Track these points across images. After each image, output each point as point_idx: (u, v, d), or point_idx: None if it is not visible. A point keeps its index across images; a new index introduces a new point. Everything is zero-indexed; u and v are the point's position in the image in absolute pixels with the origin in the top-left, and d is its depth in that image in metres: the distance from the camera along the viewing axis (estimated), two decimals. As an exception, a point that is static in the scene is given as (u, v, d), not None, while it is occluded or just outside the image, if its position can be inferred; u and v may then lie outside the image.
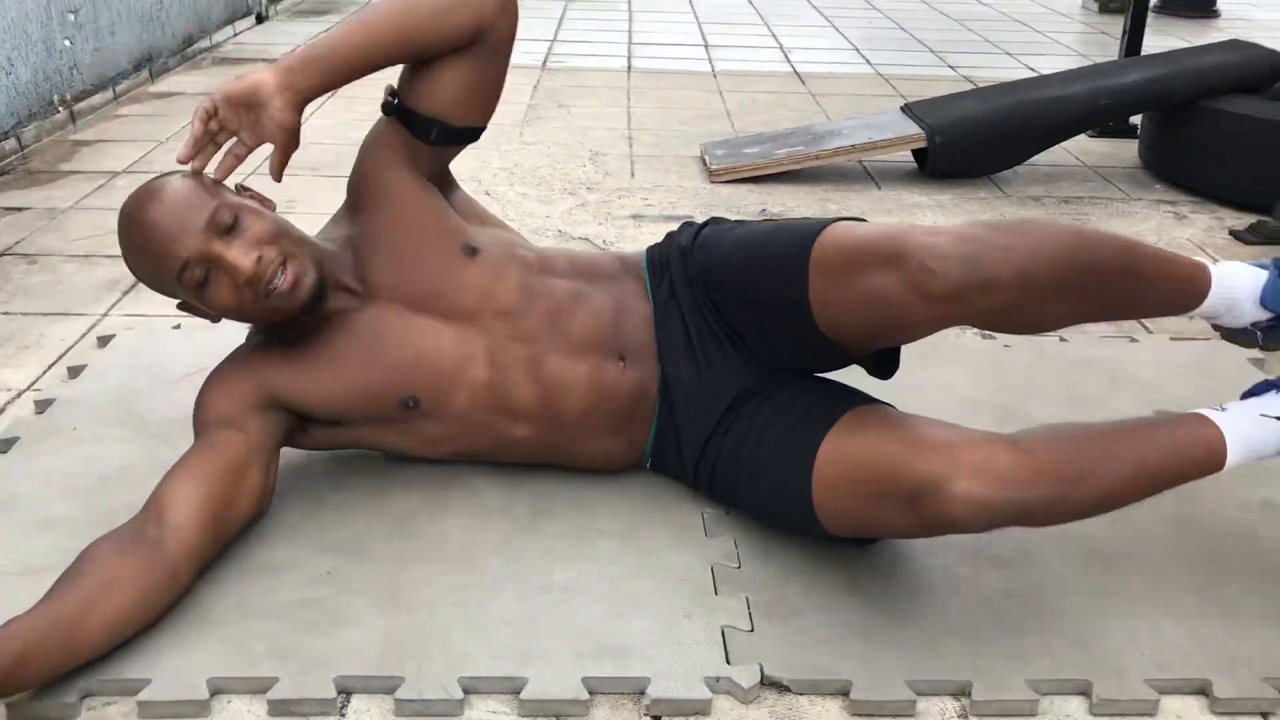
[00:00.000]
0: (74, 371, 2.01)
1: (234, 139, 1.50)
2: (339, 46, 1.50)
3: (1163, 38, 6.03)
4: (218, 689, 1.29)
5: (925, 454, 1.33)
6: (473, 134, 1.62)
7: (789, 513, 1.49)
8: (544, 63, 4.79)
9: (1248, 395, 1.48)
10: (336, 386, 1.56)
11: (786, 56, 5.17)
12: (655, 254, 1.70)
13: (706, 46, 5.35)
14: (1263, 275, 1.47)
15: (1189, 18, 6.73)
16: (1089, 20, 6.58)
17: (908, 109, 3.42)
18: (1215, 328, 1.54)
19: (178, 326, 2.20)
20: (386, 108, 1.59)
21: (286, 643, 1.35)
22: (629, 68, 4.80)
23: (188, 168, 1.49)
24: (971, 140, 3.23)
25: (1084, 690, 1.32)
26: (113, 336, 2.14)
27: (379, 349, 1.56)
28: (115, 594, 1.30)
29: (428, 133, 1.57)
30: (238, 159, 1.51)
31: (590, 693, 1.29)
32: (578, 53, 5.05)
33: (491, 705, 1.29)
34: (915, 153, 3.39)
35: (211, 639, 1.35)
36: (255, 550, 1.52)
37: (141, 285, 1.70)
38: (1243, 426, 1.41)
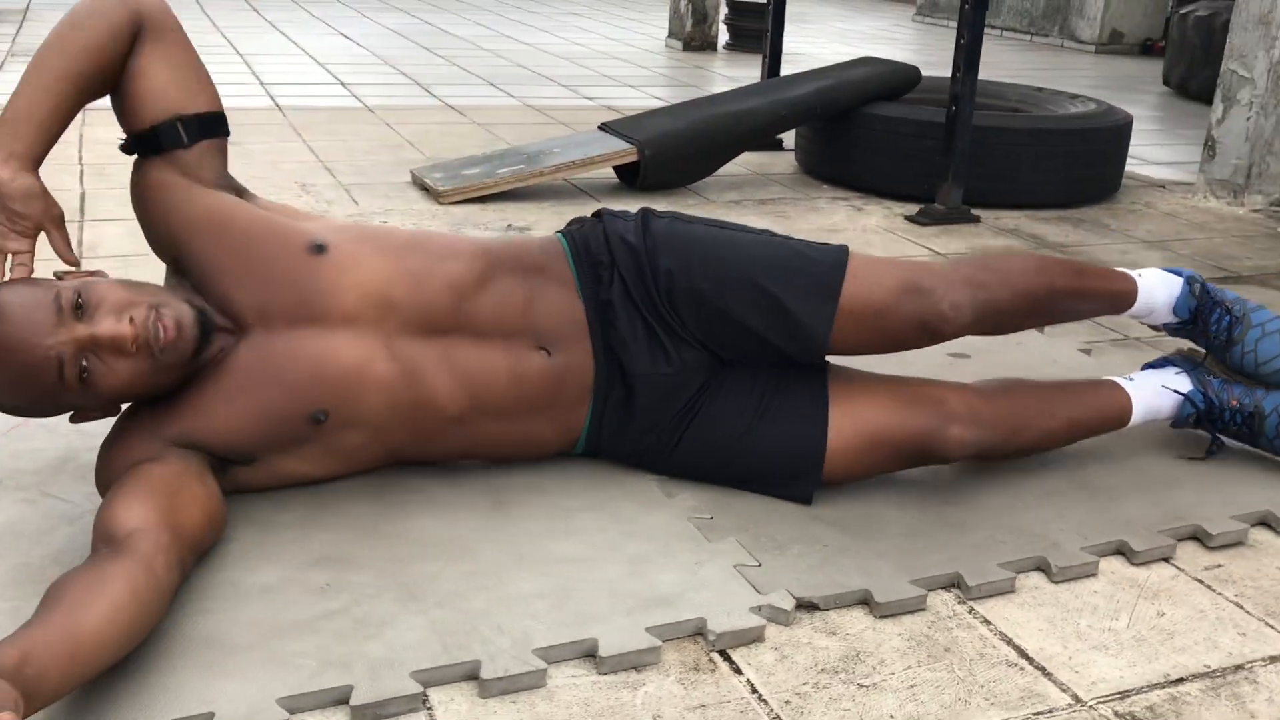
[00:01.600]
0: None
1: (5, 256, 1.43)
2: (24, 103, 1.43)
3: (736, 68, 6.71)
4: (292, 708, 1.20)
5: (924, 411, 1.63)
6: (217, 121, 1.55)
7: (786, 476, 1.63)
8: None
9: (1148, 367, 1.86)
10: (241, 419, 1.47)
11: (429, 91, 5.24)
12: (577, 241, 1.68)
13: (344, 84, 5.29)
14: (1177, 288, 1.81)
15: (755, 53, 7.54)
16: (675, 57, 7.19)
17: (606, 127, 3.63)
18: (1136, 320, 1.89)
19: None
20: (127, 147, 1.53)
21: (337, 653, 1.27)
22: (277, 106, 4.66)
23: None
24: (676, 152, 3.49)
25: (1041, 565, 1.55)
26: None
27: (272, 371, 1.48)
28: (102, 592, 1.17)
29: (178, 137, 1.50)
30: (22, 259, 1.44)
31: (658, 642, 1.34)
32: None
33: (570, 670, 1.30)
34: (617, 169, 3.60)
35: (253, 663, 1.25)
36: (239, 576, 1.41)
37: None
38: (1146, 394, 1.79)
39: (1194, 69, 6.42)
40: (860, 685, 1.31)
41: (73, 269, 1.50)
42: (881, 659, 1.36)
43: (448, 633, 1.32)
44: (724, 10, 7.79)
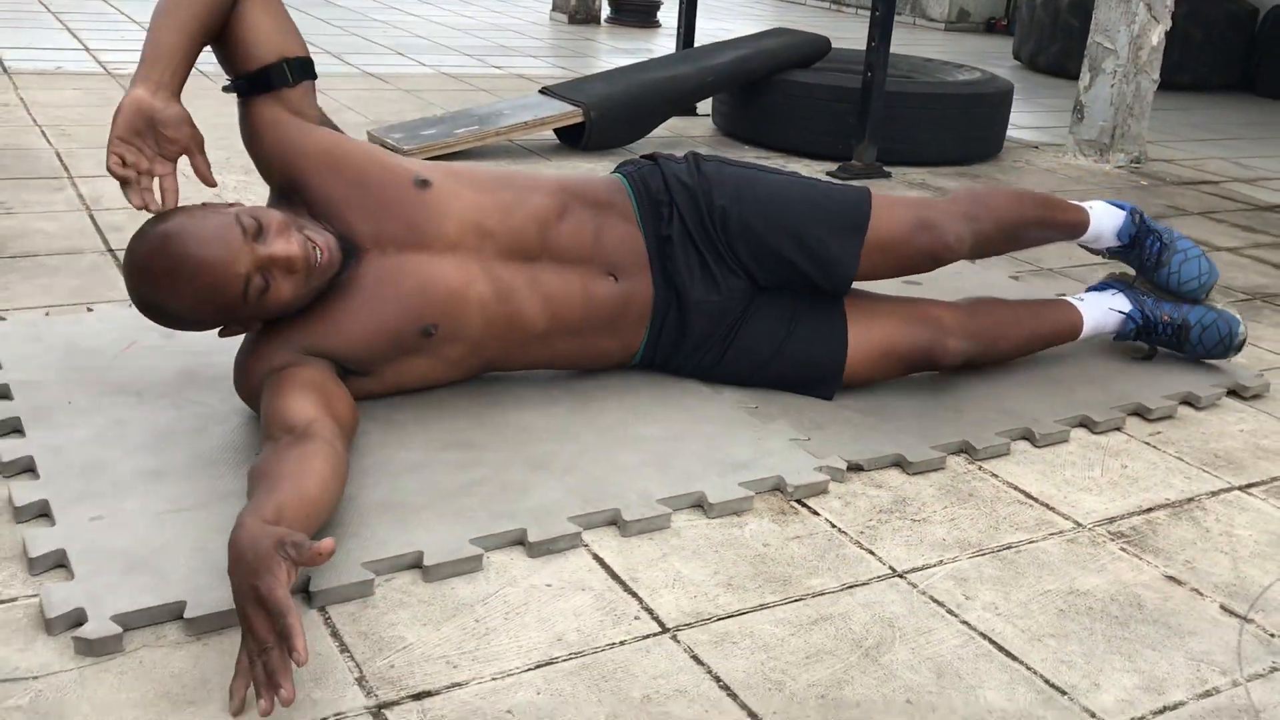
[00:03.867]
0: (-21, 364, 1.87)
1: (154, 178, 1.59)
2: (164, 42, 1.60)
3: (624, 40, 7.00)
4: (483, 546, 1.45)
5: (925, 328, 1.96)
6: (310, 65, 1.75)
7: (815, 380, 1.95)
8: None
9: (1092, 289, 2.24)
10: (365, 331, 1.67)
11: (342, 59, 5.36)
12: (637, 181, 1.94)
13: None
14: (1121, 217, 2.20)
15: (637, 26, 7.83)
16: (563, 30, 7.42)
17: (547, 91, 3.88)
18: (1081, 245, 2.26)
19: (47, 313, 2.09)
20: (239, 88, 1.72)
21: (498, 508, 1.53)
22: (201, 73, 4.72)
23: (155, 208, 1.57)
24: (618, 114, 3.77)
25: (1026, 435, 1.91)
26: (-13, 329, 1.99)
27: (389, 290, 1.69)
28: (313, 468, 1.38)
29: (285, 76, 1.70)
30: (169, 183, 1.59)
31: (750, 493, 1.64)
32: (49, 59, 4.86)
33: (686, 517, 1.59)
34: (558, 131, 3.85)
35: (433, 518, 1.49)
36: (385, 457, 1.64)
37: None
38: (1094, 313, 2.17)
39: (1042, 44, 7.02)
40: (913, 520, 1.64)
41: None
42: (924, 502, 1.69)
43: (583, 491, 1.59)
44: (604, -15, 8.05)
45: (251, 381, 1.65)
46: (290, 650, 1.11)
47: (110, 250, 2.50)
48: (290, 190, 1.73)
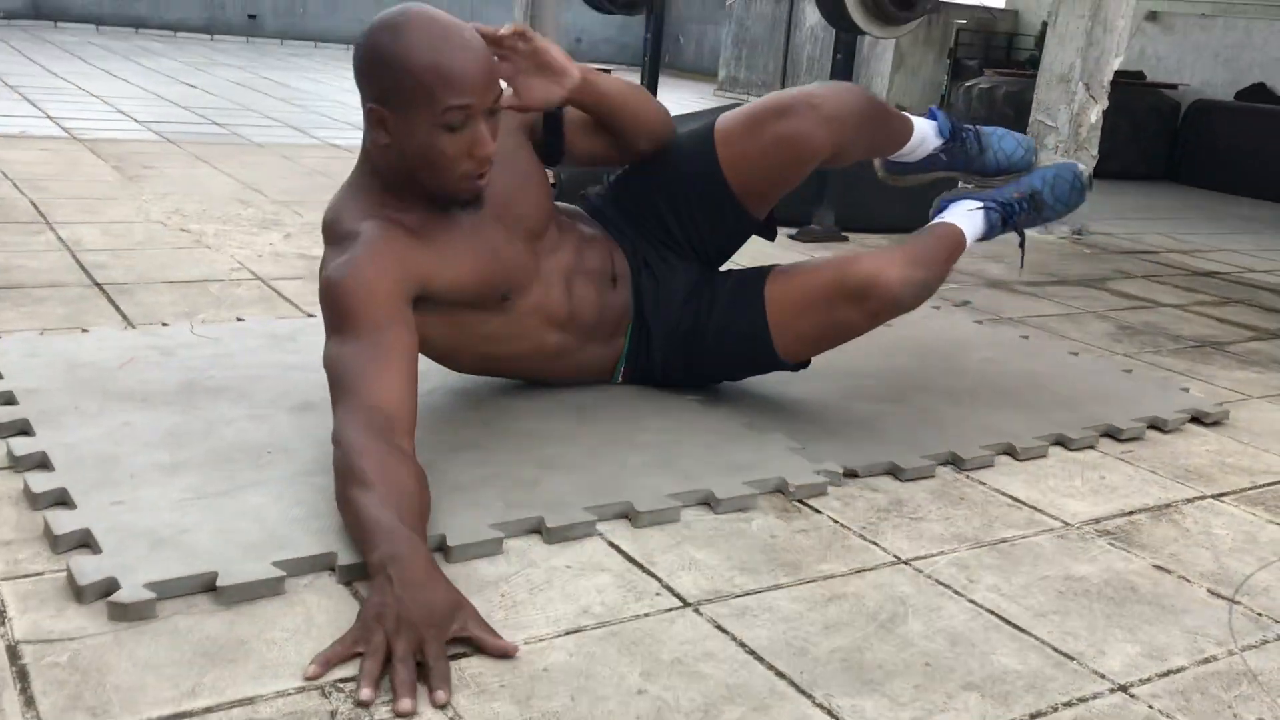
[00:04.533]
0: (-21, 376, 1.87)
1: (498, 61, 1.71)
2: (613, 86, 1.89)
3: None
4: (503, 532, 1.48)
5: (857, 264, 1.92)
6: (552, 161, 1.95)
7: (751, 353, 1.99)
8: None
9: (938, 211, 2.23)
10: (466, 272, 1.72)
11: (307, 133, 5.44)
12: (587, 207, 2.10)
13: (219, 124, 5.43)
14: (932, 121, 2.27)
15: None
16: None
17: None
18: (905, 166, 2.32)
19: (42, 333, 2.10)
20: (548, 123, 1.90)
21: (514, 498, 1.56)
22: (168, 139, 4.77)
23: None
24: (585, 178, 3.86)
25: (1008, 450, 1.99)
26: (-17, 345, 1.99)
27: (492, 245, 1.77)
28: (412, 488, 1.41)
29: (551, 154, 1.93)
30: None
31: (755, 492, 1.69)
32: (12, 124, 4.90)
33: (693, 512, 1.63)
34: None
35: (453, 507, 1.52)
36: (440, 438, 1.69)
37: None
38: (962, 221, 2.17)
39: (980, 135, 7.30)
40: (911, 518, 1.69)
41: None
42: (919, 504, 1.75)
43: (593, 487, 1.63)
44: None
45: (367, 296, 1.56)
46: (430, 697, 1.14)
47: (96, 284, 2.51)
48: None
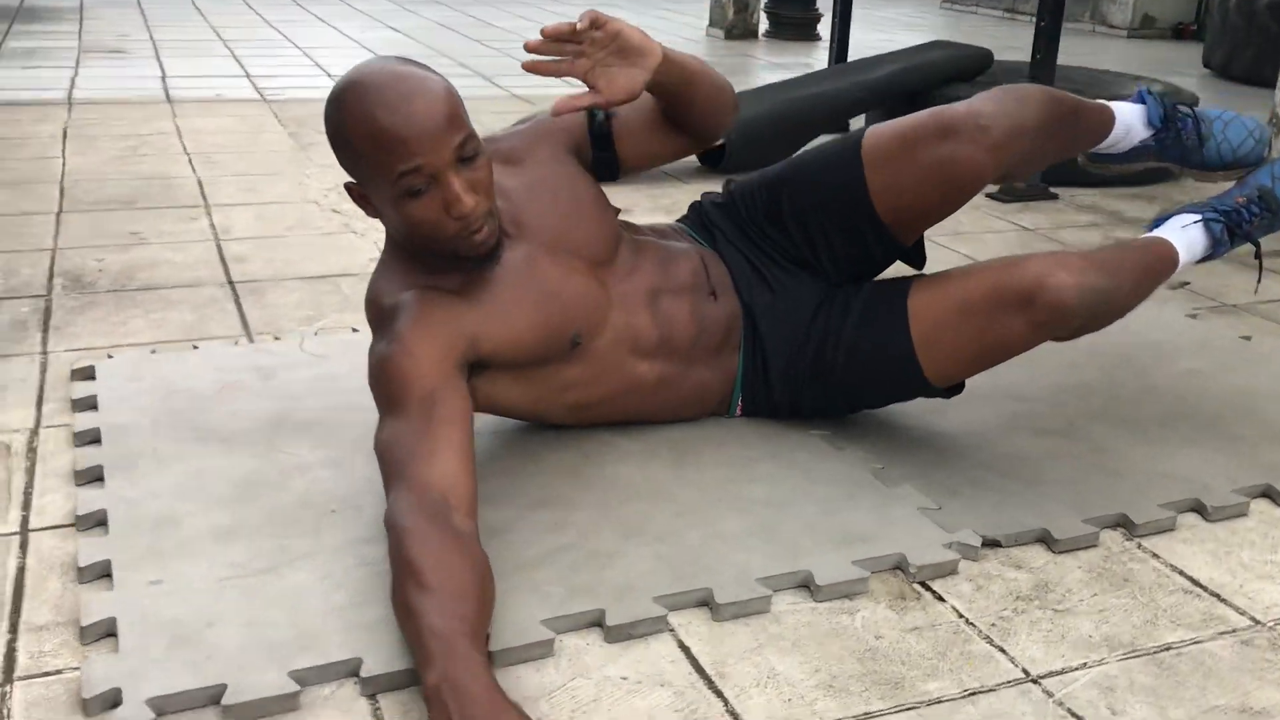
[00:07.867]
0: (79, 404, 1.84)
1: (574, 60, 1.52)
2: (691, 65, 1.67)
3: (782, 55, 6.81)
4: (555, 629, 1.31)
5: (1022, 266, 1.61)
6: (610, 176, 1.76)
7: (893, 376, 1.73)
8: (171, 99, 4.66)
9: (1154, 225, 1.89)
10: (523, 327, 1.55)
11: (493, 82, 5.36)
12: (689, 221, 1.91)
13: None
14: (1140, 106, 1.95)
15: (796, 40, 7.64)
16: (719, 46, 7.29)
17: (689, 112, 3.74)
18: (1109, 158, 2.00)
19: (154, 350, 2.07)
20: (596, 124, 1.71)
21: (579, 581, 1.39)
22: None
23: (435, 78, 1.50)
24: (757, 135, 3.60)
25: (1196, 507, 1.66)
26: (91, 367, 1.97)
27: (548, 289, 1.58)
28: (474, 582, 1.25)
29: (608, 171, 1.74)
30: (561, 73, 1.53)
31: (866, 574, 1.46)
32: (209, 86, 4.96)
33: (789, 598, 1.42)
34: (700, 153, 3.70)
35: (508, 591, 1.36)
36: (480, 511, 1.51)
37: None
38: (1176, 236, 1.84)
39: (1236, 50, 6.51)
40: (1055, 610, 1.42)
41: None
42: (1069, 588, 1.47)
43: (675, 563, 1.44)
44: (764, -2, 7.90)
45: (416, 364, 1.44)
46: None
47: (230, 282, 2.48)
48: (516, 159, 1.72)
